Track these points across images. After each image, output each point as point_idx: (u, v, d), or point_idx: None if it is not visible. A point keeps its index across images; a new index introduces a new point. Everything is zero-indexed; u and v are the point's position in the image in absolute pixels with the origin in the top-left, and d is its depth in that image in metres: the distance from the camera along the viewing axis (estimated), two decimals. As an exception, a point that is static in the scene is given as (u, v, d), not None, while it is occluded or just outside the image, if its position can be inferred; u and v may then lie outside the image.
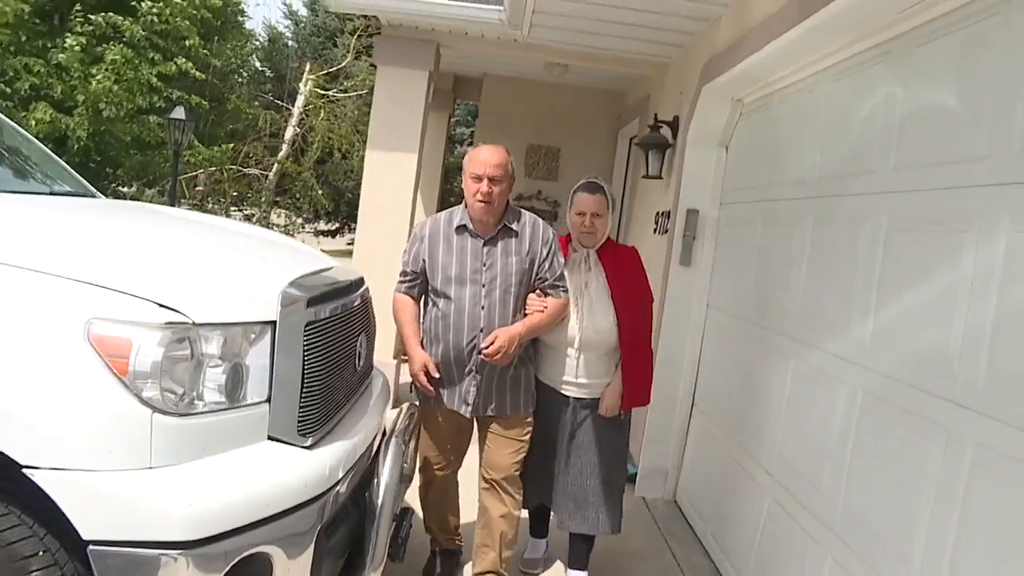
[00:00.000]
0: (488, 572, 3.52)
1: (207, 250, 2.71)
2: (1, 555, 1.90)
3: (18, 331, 1.94)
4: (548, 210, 8.43)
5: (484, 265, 3.30)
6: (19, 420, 1.90)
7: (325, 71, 13.04)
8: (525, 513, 3.83)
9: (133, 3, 10.87)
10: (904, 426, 2.54)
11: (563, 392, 3.54)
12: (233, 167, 12.04)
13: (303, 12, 16.03)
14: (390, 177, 6.11)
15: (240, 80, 13.01)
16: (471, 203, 3.27)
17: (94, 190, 3.63)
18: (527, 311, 3.34)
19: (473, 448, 3.60)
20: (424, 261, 3.38)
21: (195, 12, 11.27)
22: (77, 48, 10.41)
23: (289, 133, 12.88)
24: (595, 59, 6.23)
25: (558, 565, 3.96)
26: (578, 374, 3.51)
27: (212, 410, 2.13)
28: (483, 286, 3.28)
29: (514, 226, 3.34)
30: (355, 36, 12.12)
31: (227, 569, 2.04)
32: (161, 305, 2.05)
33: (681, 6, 4.64)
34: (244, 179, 12.41)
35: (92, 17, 10.60)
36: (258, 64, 15.66)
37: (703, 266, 4.96)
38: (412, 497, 3.56)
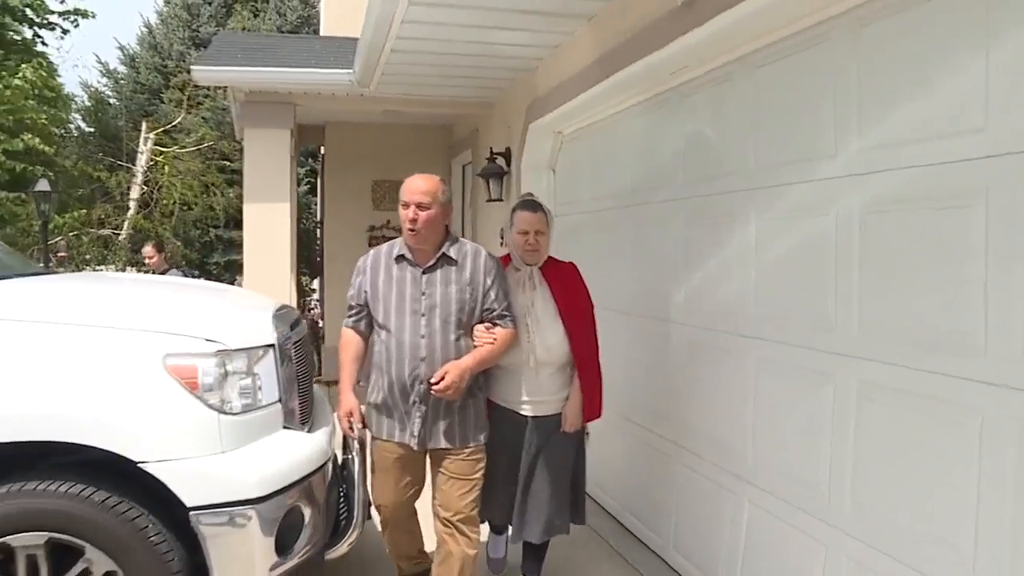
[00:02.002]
0: None
1: (209, 299, 3.58)
2: (129, 527, 2.73)
3: (118, 371, 2.79)
4: (397, 235, 9.37)
5: (423, 294, 3.28)
6: (129, 431, 2.74)
7: (161, 128, 13.46)
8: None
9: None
10: (799, 380, 3.09)
11: (521, 412, 3.53)
12: (91, 230, 12.28)
13: (121, 69, 16.16)
14: (268, 225, 6.92)
15: (69, 145, 13.14)
16: (404, 231, 3.32)
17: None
18: (476, 343, 3.31)
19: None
20: (366, 292, 3.39)
21: (36, 91, 11.46)
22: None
23: (135, 192, 13.22)
24: (431, 104, 7.30)
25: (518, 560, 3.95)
26: (533, 392, 3.51)
27: (250, 409, 3.01)
28: (423, 315, 3.26)
29: (453, 254, 3.31)
30: (184, 90, 12.64)
31: (281, 518, 2.94)
32: (208, 339, 2.93)
33: (504, 60, 5.75)
34: (99, 241, 12.64)
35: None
36: (84, 126, 15.73)
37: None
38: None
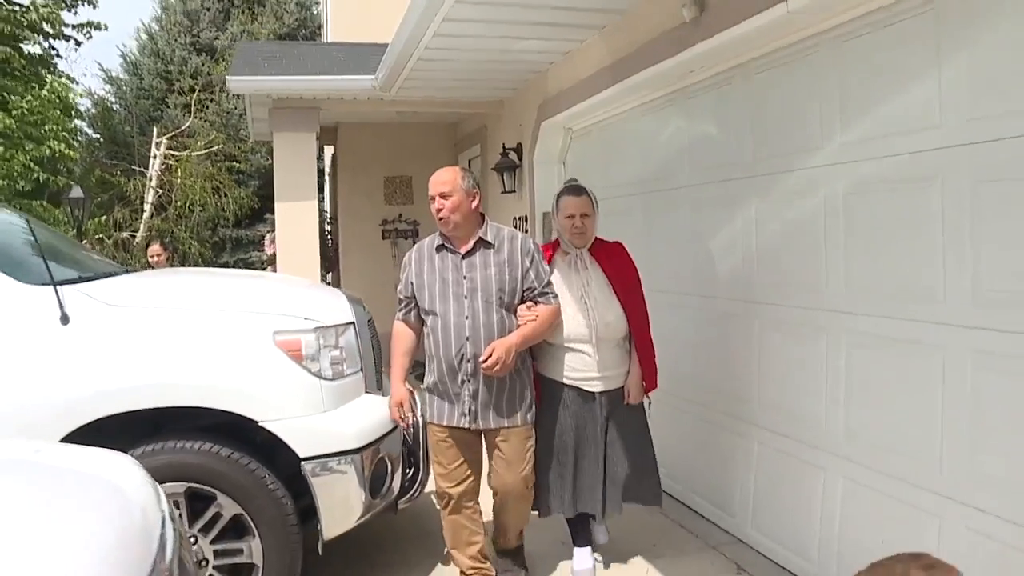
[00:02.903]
0: (506, 545, 3.84)
1: (293, 285, 4.19)
2: (251, 477, 3.31)
3: (239, 347, 3.37)
4: (410, 229, 9.96)
5: (465, 278, 3.47)
6: (250, 395, 3.32)
7: (172, 132, 14.02)
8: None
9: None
10: (796, 335, 3.68)
11: (589, 389, 3.64)
12: (114, 234, 12.87)
13: (123, 76, 16.64)
14: (298, 222, 7.49)
15: (77, 149, 13.65)
16: (437, 223, 3.56)
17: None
18: (520, 322, 3.49)
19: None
20: (412, 284, 3.59)
21: (60, 101, 12.00)
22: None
23: (151, 196, 13.79)
24: (444, 105, 7.85)
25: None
26: (599, 368, 3.63)
27: (340, 376, 3.58)
28: (465, 297, 3.45)
29: (490, 238, 3.51)
30: (190, 95, 13.19)
31: (372, 466, 3.53)
32: (306, 318, 3.51)
33: (518, 65, 6.31)
34: (119, 245, 13.19)
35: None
36: (91, 132, 16.23)
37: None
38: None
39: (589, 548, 3.87)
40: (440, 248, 3.57)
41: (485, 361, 3.34)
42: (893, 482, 3.13)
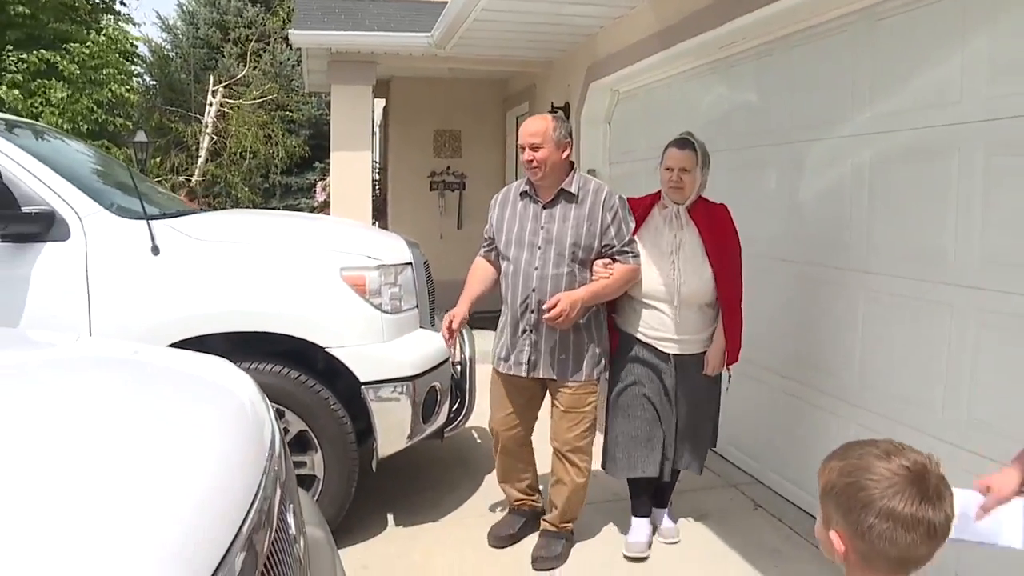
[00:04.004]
0: (552, 525, 3.70)
1: (357, 228, 4.55)
2: (316, 398, 3.67)
3: (310, 279, 3.72)
4: (457, 181, 10.29)
5: (542, 228, 3.46)
6: (319, 324, 3.67)
7: (227, 81, 14.46)
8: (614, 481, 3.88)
9: (61, 41, 11.92)
10: (822, 291, 4.01)
11: (663, 350, 3.53)
12: (171, 177, 13.41)
13: (179, 24, 17.06)
14: (352, 171, 7.86)
15: (138, 92, 14.12)
16: (526, 169, 3.50)
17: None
18: (593, 278, 3.42)
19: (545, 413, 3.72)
20: (493, 225, 3.65)
21: (117, 46, 12.45)
22: (16, 91, 11.35)
23: (206, 142, 14.28)
24: (496, 63, 8.12)
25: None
26: (676, 330, 3.49)
27: (398, 311, 3.93)
28: (539, 248, 3.43)
29: (573, 189, 3.45)
30: (248, 43, 13.57)
31: (425, 393, 3.88)
32: (370, 257, 3.86)
33: (568, 28, 6.56)
34: (175, 188, 13.71)
35: (24, 56, 11.59)
36: (147, 79, 16.71)
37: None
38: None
39: (647, 520, 3.78)
40: (524, 195, 3.57)
41: (549, 312, 3.30)
42: (907, 429, 3.40)
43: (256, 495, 1.42)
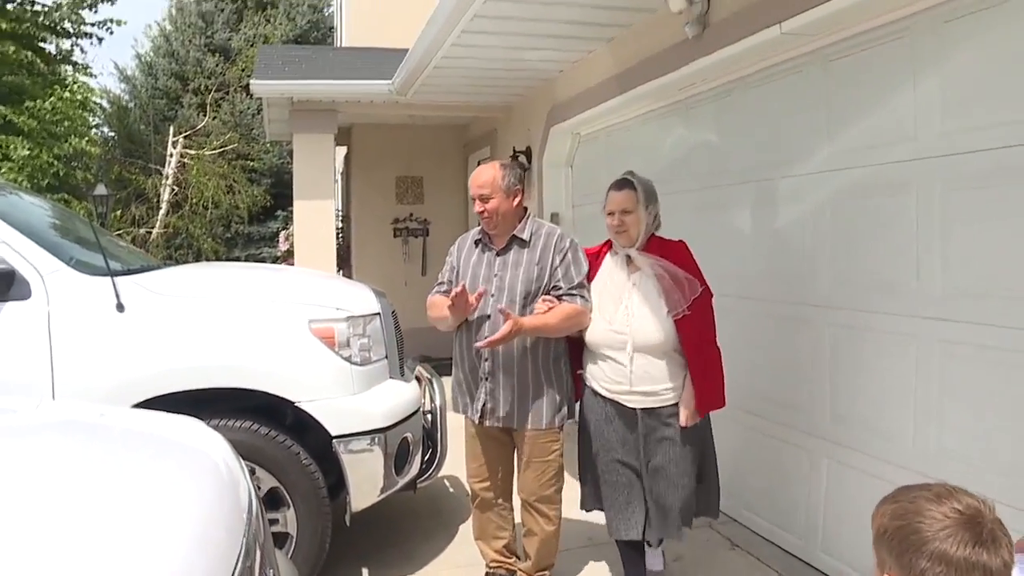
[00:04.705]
0: (526, 575, 3.67)
1: (323, 279, 4.51)
2: (287, 454, 3.61)
3: (278, 333, 3.68)
4: (420, 228, 10.29)
5: (495, 275, 3.46)
6: (289, 378, 3.62)
7: (187, 132, 14.41)
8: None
9: (17, 94, 11.80)
10: (787, 327, 4.20)
11: (627, 404, 3.28)
12: (132, 230, 13.26)
13: (138, 76, 17.00)
14: (315, 219, 7.83)
15: (98, 145, 14.00)
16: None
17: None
18: (534, 313, 3.35)
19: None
20: (454, 269, 3.64)
21: (81, 100, 12.36)
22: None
23: (167, 193, 14.17)
24: (457, 108, 8.19)
25: None
26: (634, 382, 3.24)
27: (368, 362, 3.90)
28: (492, 296, 3.41)
29: (525, 236, 3.45)
30: (208, 93, 13.56)
31: (397, 444, 3.84)
32: (338, 308, 3.83)
33: (528, 72, 6.63)
34: (136, 241, 13.57)
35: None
36: (106, 130, 16.59)
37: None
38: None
39: (661, 549, 3.71)
40: (478, 243, 3.61)
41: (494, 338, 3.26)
42: (876, 462, 3.44)
43: (237, 563, 1.39)
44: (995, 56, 2.84)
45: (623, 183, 3.35)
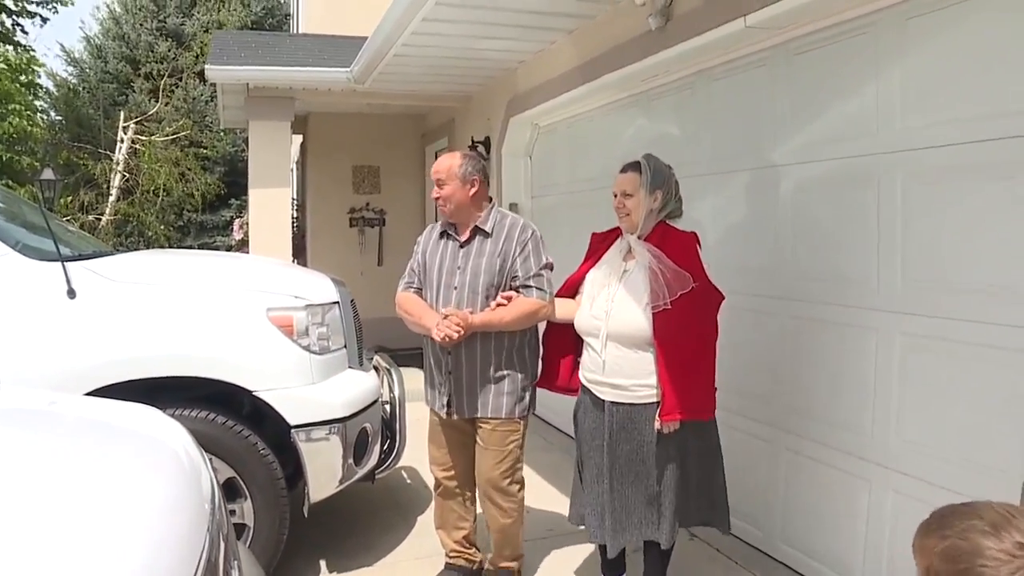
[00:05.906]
0: (492, 565, 3.69)
1: (282, 267, 4.43)
2: (244, 443, 3.55)
3: (235, 321, 3.61)
4: (377, 218, 10.20)
5: (459, 267, 3.44)
6: (247, 367, 3.56)
7: (139, 118, 14.08)
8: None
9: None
10: (748, 319, 4.10)
11: (599, 395, 3.15)
12: (80, 216, 12.91)
13: (85, 59, 16.55)
14: (271, 208, 7.70)
15: (42, 127, 13.61)
16: None
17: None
18: (491, 306, 3.33)
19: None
20: (420, 262, 3.60)
21: (17, 76, 11.94)
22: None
23: (117, 179, 13.84)
24: (415, 97, 8.11)
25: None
26: (608, 373, 3.09)
27: (327, 351, 3.85)
28: (454, 288, 3.41)
29: (487, 227, 3.44)
30: (161, 79, 13.26)
31: (356, 435, 3.80)
32: (297, 296, 3.77)
33: (488, 63, 6.59)
34: (85, 228, 13.27)
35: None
36: (53, 114, 16.14)
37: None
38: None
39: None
40: (443, 234, 3.58)
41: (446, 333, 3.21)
42: (836, 453, 3.48)
43: (202, 555, 1.34)
44: (954, 54, 2.88)
45: (629, 165, 3.22)
